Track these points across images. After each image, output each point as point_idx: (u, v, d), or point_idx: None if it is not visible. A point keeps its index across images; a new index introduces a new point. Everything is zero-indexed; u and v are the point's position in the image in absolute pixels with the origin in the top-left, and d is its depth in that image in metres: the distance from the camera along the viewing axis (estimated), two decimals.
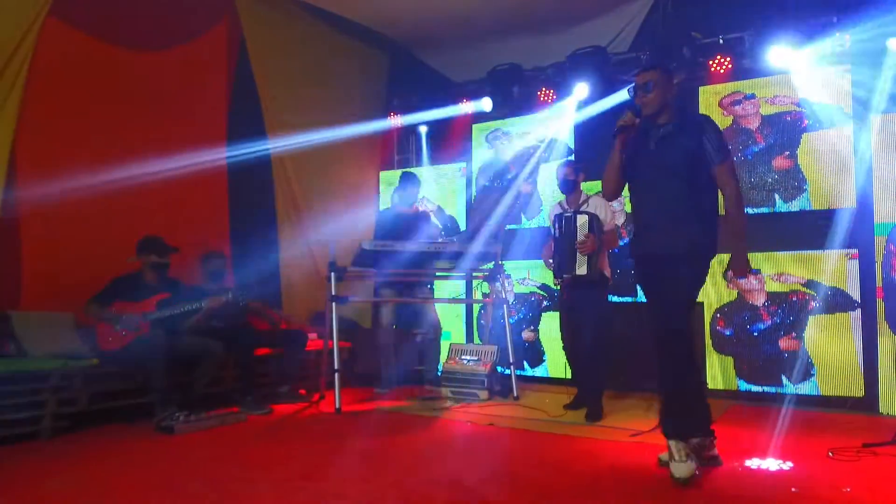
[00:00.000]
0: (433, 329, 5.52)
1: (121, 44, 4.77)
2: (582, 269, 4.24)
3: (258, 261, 5.63)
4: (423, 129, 6.91)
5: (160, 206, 4.80)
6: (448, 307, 6.30)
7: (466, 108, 6.43)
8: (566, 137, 6.01)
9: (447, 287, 6.33)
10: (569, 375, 4.71)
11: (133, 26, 4.82)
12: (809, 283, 4.77)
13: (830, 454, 3.27)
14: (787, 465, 3.13)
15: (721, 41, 5.16)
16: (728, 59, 5.13)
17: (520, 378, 5.33)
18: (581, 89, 5.72)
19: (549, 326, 5.83)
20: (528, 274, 6.07)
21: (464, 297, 6.38)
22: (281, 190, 5.97)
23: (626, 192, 3.40)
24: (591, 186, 4.95)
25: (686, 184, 3.05)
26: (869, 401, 4.45)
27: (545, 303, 5.95)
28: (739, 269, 3.09)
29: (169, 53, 5.09)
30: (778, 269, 4.87)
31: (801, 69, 4.85)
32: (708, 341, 5.07)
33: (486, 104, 6.31)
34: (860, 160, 4.63)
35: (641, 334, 3.40)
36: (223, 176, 5.53)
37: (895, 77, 4.51)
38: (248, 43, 5.67)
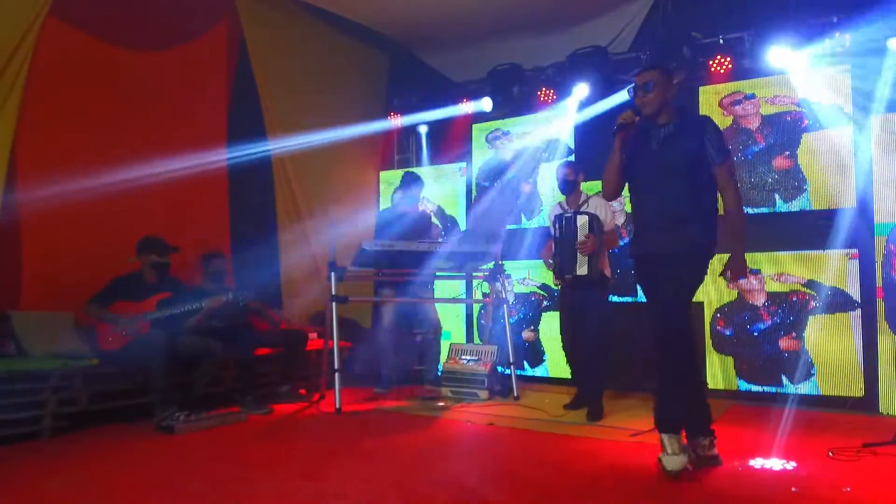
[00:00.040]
0: (433, 329, 5.52)
1: (121, 44, 4.76)
2: (583, 270, 4.24)
3: (258, 261, 5.63)
4: (423, 129, 6.91)
5: (160, 206, 4.80)
6: (448, 307, 6.30)
7: (466, 108, 6.43)
8: (566, 137, 6.01)
9: (447, 287, 6.33)
10: (569, 375, 4.71)
11: (133, 26, 4.82)
12: (809, 283, 4.77)
13: (830, 454, 3.27)
14: (788, 465, 3.13)
15: (721, 41, 5.16)
16: (728, 59, 5.13)
17: (520, 378, 5.33)
18: (581, 89, 5.72)
19: (549, 326, 5.83)
20: (528, 274, 6.07)
21: (464, 297, 6.38)
22: (281, 190, 5.97)
23: (625, 191, 3.41)
24: (591, 186, 4.95)
25: (687, 184, 3.06)
26: (869, 400, 4.45)
27: (545, 303, 5.95)
28: (737, 270, 3.10)
29: (169, 53, 5.09)
30: (778, 269, 4.87)
31: (801, 69, 4.85)
32: (708, 341, 5.07)
33: (486, 104, 6.31)
34: (860, 160, 4.63)
35: (642, 334, 3.40)
36: (223, 176, 5.53)
37: (895, 77, 4.51)
38: (248, 43, 5.66)
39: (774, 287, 4.88)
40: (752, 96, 5.09)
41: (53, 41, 4.32)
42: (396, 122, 6.86)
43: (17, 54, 4.12)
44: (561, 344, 4.74)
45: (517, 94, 6.15)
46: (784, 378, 4.79)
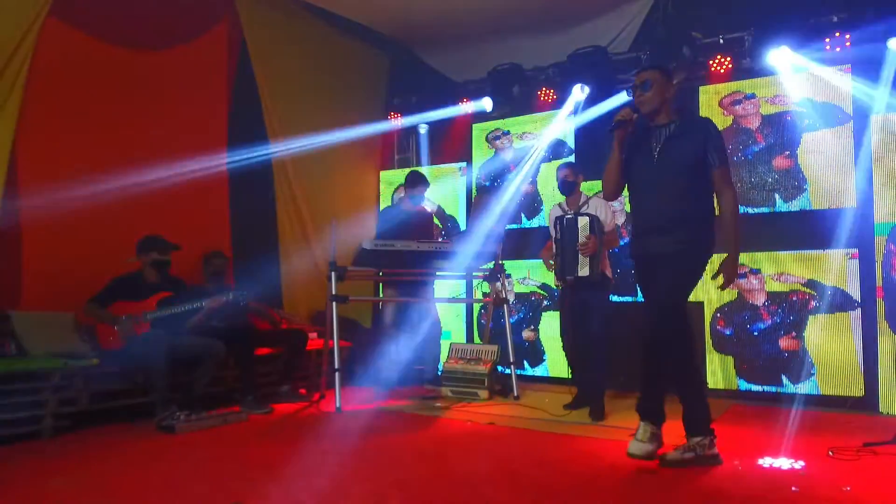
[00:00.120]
0: (434, 328, 5.52)
1: (121, 44, 4.76)
2: (584, 271, 4.25)
3: (259, 260, 5.63)
4: (423, 129, 6.91)
5: (160, 205, 4.79)
6: (448, 307, 6.30)
7: (467, 107, 6.44)
8: (566, 137, 6.01)
9: (447, 287, 6.33)
10: (569, 375, 4.71)
11: (133, 26, 4.82)
12: (810, 283, 4.77)
13: (830, 453, 3.28)
14: (787, 465, 3.13)
15: (721, 41, 5.17)
16: (728, 58, 5.14)
17: (520, 377, 5.33)
18: (581, 89, 5.72)
19: (550, 326, 5.84)
20: (528, 274, 6.08)
21: (464, 296, 6.39)
22: (281, 189, 5.97)
23: (625, 191, 3.41)
24: (590, 187, 4.96)
25: (688, 184, 3.08)
26: (869, 400, 4.45)
27: (545, 302, 5.96)
28: (731, 273, 3.11)
29: (169, 53, 5.09)
30: (778, 269, 4.88)
31: (802, 69, 4.85)
32: (708, 341, 5.07)
33: (486, 104, 6.32)
34: (860, 160, 4.63)
35: (642, 334, 3.44)
36: (224, 176, 5.53)
37: (895, 77, 4.51)
38: (248, 43, 5.67)
39: (774, 287, 4.89)
40: (753, 96, 5.09)
41: (53, 41, 4.32)
42: (396, 122, 6.87)
43: (17, 54, 4.13)
44: (561, 344, 4.74)
45: (517, 94, 6.15)
46: (784, 378, 4.80)
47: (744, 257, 4.90)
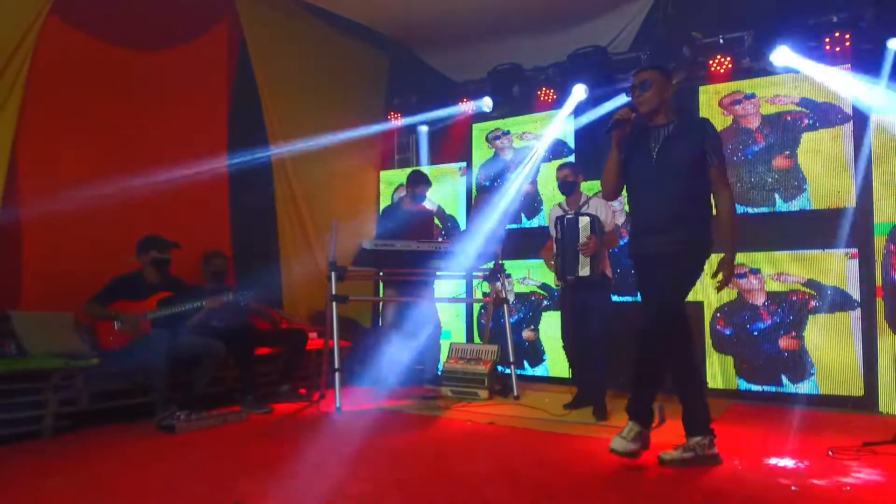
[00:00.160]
0: (434, 328, 5.52)
1: (121, 44, 4.77)
2: (585, 271, 4.25)
3: (259, 260, 5.64)
4: (423, 129, 6.91)
5: (160, 205, 4.79)
6: (448, 307, 6.30)
7: (467, 107, 6.43)
8: (566, 137, 6.01)
9: (447, 287, 6.33)
10: (569, 375, 4.71)
11: (133, 26, 4.82)
12: (809, 283, 4.77)
13: (830, 453, 3.28)
14: (787, 464, 3.14)
15: (721, 41, 5.16)
16: (728, 58, 5.14)
17: (520, 377, 5.34)
18: (581, 89, 5.73)
19: (550, 326, 5.84)
20: (528, 273, 6.08)
21: (464, 296, 6.39)
22: (281, 189, 5.97)
23: (624, 191, 3.41)
24: (590, 187, 4.96)
25: (686, 184, 3.09)
26: (869, 400, 4.45)
27: (545, 302, 5.96)
28: (729, 272, 3.11)
29: (169, 53, 5.09)
30: (778, 269, 4.88)
31: (801, 69, 4.85)
32: (708, 341, 5.07)
33: (486, 104, 6.32)
34: (860, 160, 4.63)
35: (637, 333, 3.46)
36: (224, 176, 5.53)
37: (895, 77, 4.51)
38: (248, 43, 5.67)
39: (774, 286, 4.89)
40: (752, 96, 5.09)
41: (53, 41, 4.32)
42: (396, 122, 6.87)
43: (17, 54, 4.13)
44: (562, 344, 4.74)
45: (517, 93, 6.15)
46: (784, 377, 4.80)
47: (743, 257, 4.91)
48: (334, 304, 4.56)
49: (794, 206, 4.88)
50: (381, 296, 6.32)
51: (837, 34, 4.69)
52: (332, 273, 4.63)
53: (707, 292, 5.06)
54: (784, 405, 4.62)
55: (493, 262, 5.32)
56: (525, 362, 5.96)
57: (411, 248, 4.86)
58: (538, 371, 5.92)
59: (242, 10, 5.62)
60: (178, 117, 5.11)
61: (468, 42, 6.49)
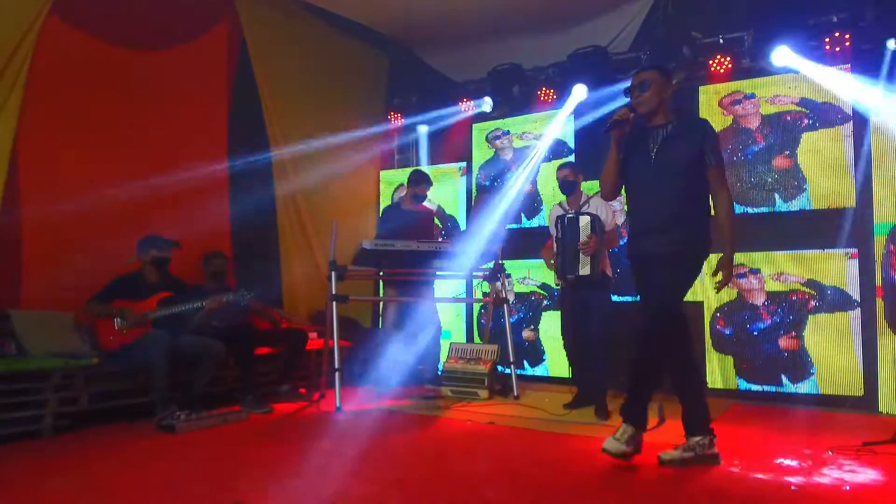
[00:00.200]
0: (434, 328, 5.52)
1: (121, 44, 4.77)
2: (585, 270, 4.26)
3: (259, 260, 5.64)
4: (423, 129, 6.91)
5: (160, 205, 4.80)
6: (448, 307, 6.30)
7: (467, 107, 6.43)
8: (566, 137, 6.01)
9: (447, 286, 6.33)
10: (569, 375, 4.71)
11: (133, 26, 4.82)
12: (809, 283, 4.77)
13: (830, 453, 3.28)
14: (787, 464, 3.14)
15: (721, 41, 5.17)
16: (728, 58, 5.14)
17: (520, 377, 5.34)
18: (581, 89, 5.73)
19: (550, 326, 5.84)
20: (528, 273, 6.08)
21: (464, 296, 6.39)
22: (281, 189, 5.97)
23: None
24: (591, 186, 4.96)
25: (685, 185, 3.10)
26: (869, 400, 4.45)
27: (545, 302, 5.96)
28: (728, 272, 3.11)
29: (169, 53, 5.10)
30: (777, 269, 4.88)
31: (801, 69, 4.85)
32: (708, 340, 5.07)
33: (486, 104, 6.32)
34: (860, 160, 4.63)
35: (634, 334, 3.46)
36: (224, 175, 5.53)
37: (895, 77, 4.51)
38: (248, 43, 5.66)
39: (774, 286, 4.89)
40: (752, 96, 5.09)
41: (53, 41, 4.32)
42: (396, 122, 6.87)
43: (17, 54, 4.13)
44: (562, 343, 4.74)
45: (517, 93, 6.15)
46: (784, 377, 4.80)
47: (743, 257, 4.91)
48: (334, 303, 4.56)
49: (794, 206, 4.88)
50: (381, 296, 6.32)
51: (837, 34, 4.69)
52: (332, 273, 4.63)
53: (707, 292, 5.06)
54: (784, 405, 4.63)
55: (493, 262, 5.32)
56: (525, 362, 5.96)
57: (411, 247, 4.86)
58: (538, 371, 5.92)
59: (242, 10, 5.62)
60: (178, 117, 5.11)
61: (468, 42, 6.49)
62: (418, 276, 5.26)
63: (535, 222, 6.11)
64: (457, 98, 6.48)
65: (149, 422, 3.96)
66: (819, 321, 4.70)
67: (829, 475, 2.95)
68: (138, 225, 4.52)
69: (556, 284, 4.88)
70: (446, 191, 6.62)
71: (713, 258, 3.19)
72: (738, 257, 4.77)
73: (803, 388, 4.72)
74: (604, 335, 4.32)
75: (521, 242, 6.03)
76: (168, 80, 5.05)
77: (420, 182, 5.40)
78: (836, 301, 4.66)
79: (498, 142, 6.42)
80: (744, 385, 4.94)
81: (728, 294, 5.03)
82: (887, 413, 4.34)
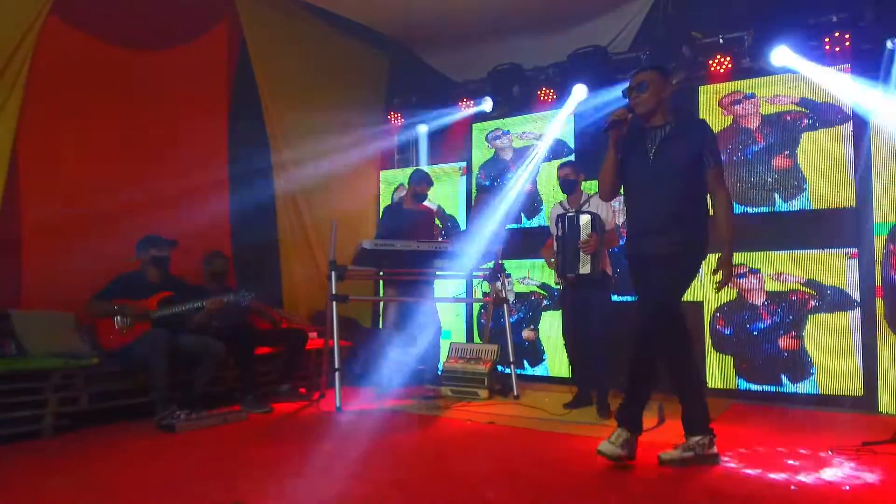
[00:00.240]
0: (434, 328, 5.52)
1: (121, 44, 4.77)
2: (585, 268, 4.27)
3: (259, 260, 5.64)
4: (423, 129, 6.91)
5: (160, 204, 4.80)
6: (448, 306, 6.31)
7: (467, 107, 6.43)
8: (566, 137, 6.01)
9: (447, 286, 6.33)
10: (568, 374, 4.71)
11: (133, 26, 4.83)
12: (809, 283, 4.77)
13: (830, 453, 3.28)
14: (787, 464, 3.14)
15: (721, 41, 5.17)
16: (728, 58, 5.14)
17: (520, 377, 5.34)
18: (581, 89, 5.73)
19: (549, 326, 5.84)
20: (528, 273, 6.08)
21: (464, 296, 6.39)
22: (281, 189, 5.97)
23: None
24: (591, 186, 4.96)
25: (683, 185, 3.10)
26: (868, 400, 4.45)
27: (545, 302, 5.96)
28: (727, 272, 3.12)
29: (169, 53, 5.10)
30: (777, 269, 4.88)
31: (801, 69, 4.85)
32: (708, 340, 5.07)
33: (486, 104, 6.32)
34: (860, 160, 4.63)
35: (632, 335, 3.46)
36: (224, 175, 5.54)
37: (894, 76, 4.51)
38: (248, 43, 5.66)
39: (774, 286, 4.89)
40: (752, 96, 5.10)
41: (54, 41, 4.32)
42: (396, 122, 6.87)
43: (17, 54, 4.13)
44: (563, 343, 4.74)
45: (517, 93, 6.15)
46: (784, 377, 4.80)
47: (743, 257, 4.91)
48: (334, 303, 4.56)
49: (794, 205, 4.88)
50: (381, 295, 6.32)
51: (837, 34, 4.69)
52: (332, 273, 4.63)
53: (707, 292, 5.06)
54: (784, 405, 4.63)
55: (493, 261, 5.33)
56: (525, 362, 5.96)
57: (411, 247, 4.86)
58: (538, 371, 5.92)
59: (242, 10, 5.62)
60: (178, 117, 5.11)
61: (468, 42, 6.49)
62: (418, 276, 5.26)
63: (535, 222, 6.11)
64: (457, 98, 6.48)
65: (149, 422, 3.96)
66: (819, 321, 4.70)
67: (828, 475, 2.95)
68: (138, 225, 4.52)
69: (556, 283, 4.88)
70: (446, 191, 6.63)
71: (713, 258, 3.19)
72: (738, 257, 4.77)
73: (803, 387, 4.72)
74: (604, 335, 4.33)
75: (520, 242, 6.03)
76: (168, 80, 5.05)
77: (421, 181, 5.41)
78: (835, 301, 4.66)
79: (498, 142, 6.42)
80: (743, 385, 4.94)
81: (728, 294, 5.03)
82: (887, 413, 4.34)
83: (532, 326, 6.00)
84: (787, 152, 4.93)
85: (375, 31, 6.65)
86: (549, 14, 5.97)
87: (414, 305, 5.31)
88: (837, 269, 4.66)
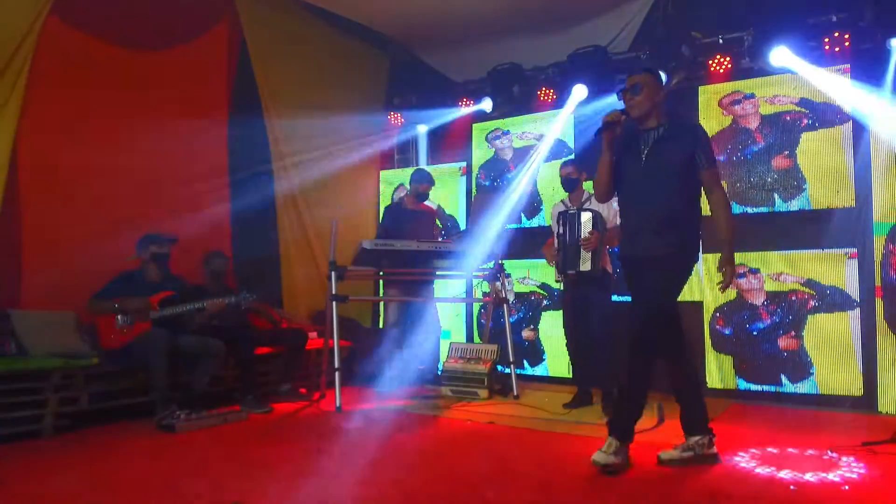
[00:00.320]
0: (434, 328, 5.53)
1: (121, 44, 4.77)
2: (586, 266, 4.28)
3: (259, 260, 5.64)
4: (423, 129, 6.91)
5: (160, 204, 4.81)
6: (448, 306, 6.31)
7: (467, 107, 6.43)
8: (566, 137, 6.01)
9: (447, 286, 6.33)
10: (568, 374, 4.72)
11: (133, 26, 4.83)
12: (809, 283, 4.77)
13: (830, 452, 3.28)
14: (787, 464, 3.14)
15: (721, 41, 5.17)
16: (728, 58, 5.14)
17: (520, 377, 5.34)
18: (581, 89, 5.73)
19: (549, 325, 5.85)
20: (528, 273, 6.08)
21: (464, 296, 6.39)
22: (281, 189, 5.97)
23: None
24: (591, 185, 4.96)
25: (676, 187, 3.11)
26: (868, 399, 4.45)
27: (545, 302, 5.96)
28: (729, 272, 3.11)
29: (169, 53, 5.10)
30: (777, 269, 4.88)
31: (801, 69, 4.85)
32: (707, 340, 5.08)
33: (486, 104, 6.32)
34: (859, 160, 4.63)
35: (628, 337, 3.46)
36: (224, 175, 5.54)
37: (894, 76, 4.51)
38: (248, 43, 5.67)
39: (773, 286, 4.89)
40: (752, 96, 5.10)
41: (54, 41, 4.32)
42: (396, 122, 6.87)
43: (17, 54, 4.13)
44: (563, 342, 4.74)
45: (517, 93, 6.15)
46: (783, 377, 4.80)
47: (743, 257, 4.91)
48: (334, 303, 4.56)
49: (794, 205, 4.89)
50: (381, 296, 6.32)
51: (837, 34, 4.69)
52: (332, 273, 4.63)
53: (706, 292, 5.06)
54: (783, 405, 4.64)
55: (493, 261, 5.33)
56: (525, 362, 5.96)
57: (411, 247, 4.86)
58: (538, 371, 5.92)
59: (242, 10, 5.62)
60: (179, 117, 5.11)
61: (468, 42, 6.49)
62: (418, 276, 5.26)
63: (535, 222, 6.11)
64: (457, 98, 6.49)
65: (149, 421, 3.97)
66: (818, 321, 4.71)
67: (828, 475, 2.95)
68: (138, 225, 4.52)
69: (557, 282, 4.89)
70: (446, 191, 6.63)
71: (711, 259, 3.20)
72: (738, 257, 4.75)
73: (803, 387, 4.72)
74: (604, 335, 4.33)
75: (520, 242, 6.03)
76: (168, 81, 5.05)
77: (423, 181, 5.41)
78: (835, 301, 4.67)
79: (498, 142, 6.42)
80: (743, 385, 4.94)
81: (727, 294, 5.03)
82: (887, 413, 4.34)
83: (532, 326, 6.01)
84: (786, 152, 4.94)
85: (375, 31, 6.65)
86: (549, 14, 5.97)
87: (414, 305, 5.31)
88: (837, 269, 4.67)
